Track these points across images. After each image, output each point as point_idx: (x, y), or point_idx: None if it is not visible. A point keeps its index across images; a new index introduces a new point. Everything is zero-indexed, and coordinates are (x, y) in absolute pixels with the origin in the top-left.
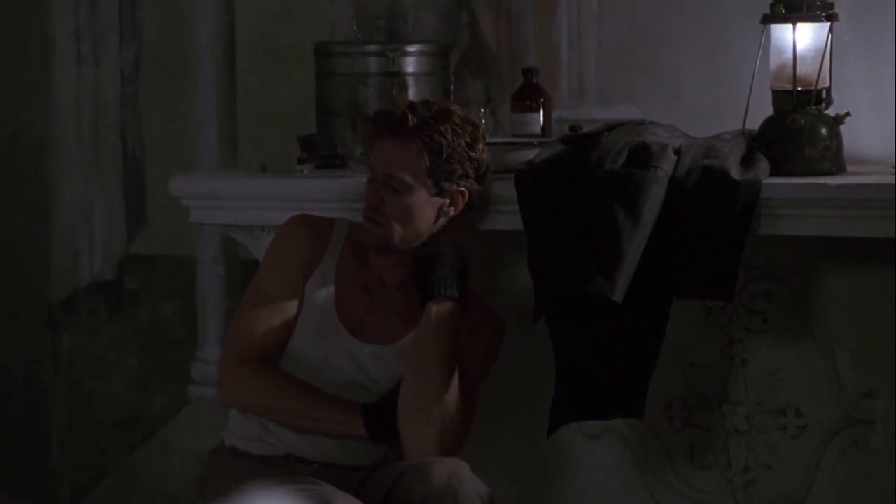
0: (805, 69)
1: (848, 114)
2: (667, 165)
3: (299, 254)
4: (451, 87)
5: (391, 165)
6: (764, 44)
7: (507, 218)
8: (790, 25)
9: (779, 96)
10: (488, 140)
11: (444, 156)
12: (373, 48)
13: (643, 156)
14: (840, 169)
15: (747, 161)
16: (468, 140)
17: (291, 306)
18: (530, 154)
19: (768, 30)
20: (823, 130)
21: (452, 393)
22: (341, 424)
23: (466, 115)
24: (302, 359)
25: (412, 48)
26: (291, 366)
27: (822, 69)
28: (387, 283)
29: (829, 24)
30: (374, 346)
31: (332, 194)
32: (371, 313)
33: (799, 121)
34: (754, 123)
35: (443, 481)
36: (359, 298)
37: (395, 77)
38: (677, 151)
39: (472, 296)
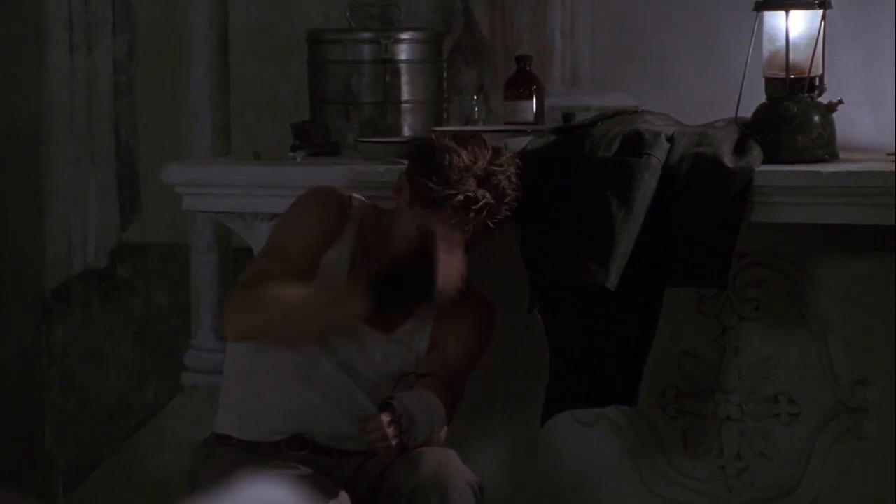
0: (798, 57)
1: (841, 101)
2: (660, 153)
3: (324, 226)
4: (444, 75)
5: None
6: (757, 31)
7: None
8: (783, 13)
9: (772, 84)
10: (481, 127)
11: None
12: (366, 35)
13: (636, 144)
14: (833, 156)
15: (740, 149)
16: None
17: (308, 271)
18: (522, 142)
19: (761, 17)
20: (816, 118)
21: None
22: (344, 299)
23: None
24: None
25: (405, 35)
26: None
27: (815, 57)
28: None
29: (821, 11)
30: (374, 332)
31: (324, 181)
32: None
33: (792, 108)
34: (747, 111)
35: (431, 471)
36: None
37: (388, 64)
38: (670, 139)
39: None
